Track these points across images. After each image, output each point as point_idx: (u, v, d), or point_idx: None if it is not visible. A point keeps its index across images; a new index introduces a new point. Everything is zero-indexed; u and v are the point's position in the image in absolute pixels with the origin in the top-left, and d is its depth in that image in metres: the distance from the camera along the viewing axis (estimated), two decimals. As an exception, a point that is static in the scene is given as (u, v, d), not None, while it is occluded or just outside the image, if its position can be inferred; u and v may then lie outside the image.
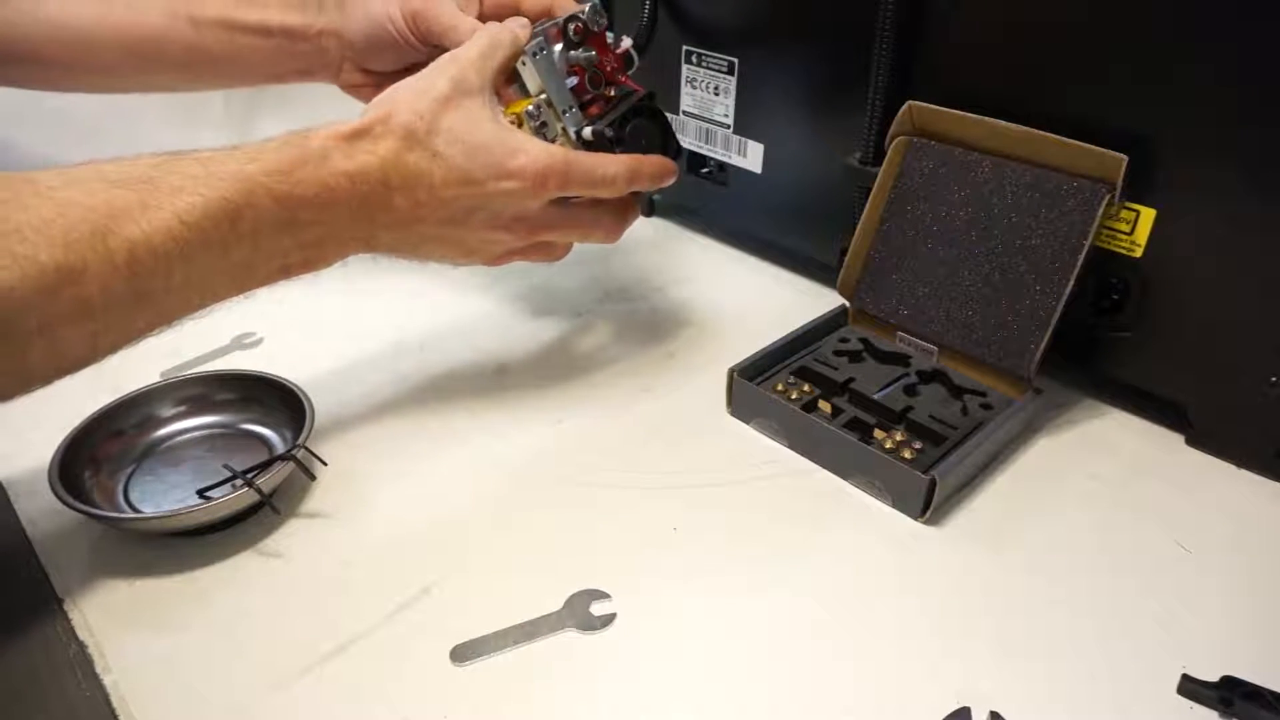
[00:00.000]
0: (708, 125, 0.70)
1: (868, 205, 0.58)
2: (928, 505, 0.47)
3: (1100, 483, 0.51)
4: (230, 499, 0.44)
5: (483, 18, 0.53)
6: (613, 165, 0.50)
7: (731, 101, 0.68)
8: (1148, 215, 0.50)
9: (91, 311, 0.36)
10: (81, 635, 0.41)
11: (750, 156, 0.69)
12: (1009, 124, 0.52)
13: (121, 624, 0.42)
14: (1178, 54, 0.46)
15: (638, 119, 0.52)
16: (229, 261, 0.40)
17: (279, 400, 0.51)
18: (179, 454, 0.50)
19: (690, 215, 0.80)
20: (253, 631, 0.41)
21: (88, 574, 0.44)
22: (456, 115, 0.45)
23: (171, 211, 0.37)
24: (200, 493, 0.45)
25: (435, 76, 0.46)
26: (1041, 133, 0.50)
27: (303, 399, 0.50)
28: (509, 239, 0.50)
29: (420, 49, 0.53)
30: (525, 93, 0.51)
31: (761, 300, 0.69)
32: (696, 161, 0.73)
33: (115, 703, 0.38)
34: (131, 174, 0.38)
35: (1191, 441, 0.53)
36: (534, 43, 0.49)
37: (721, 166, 0.71)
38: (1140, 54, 0.47)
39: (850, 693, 0.39)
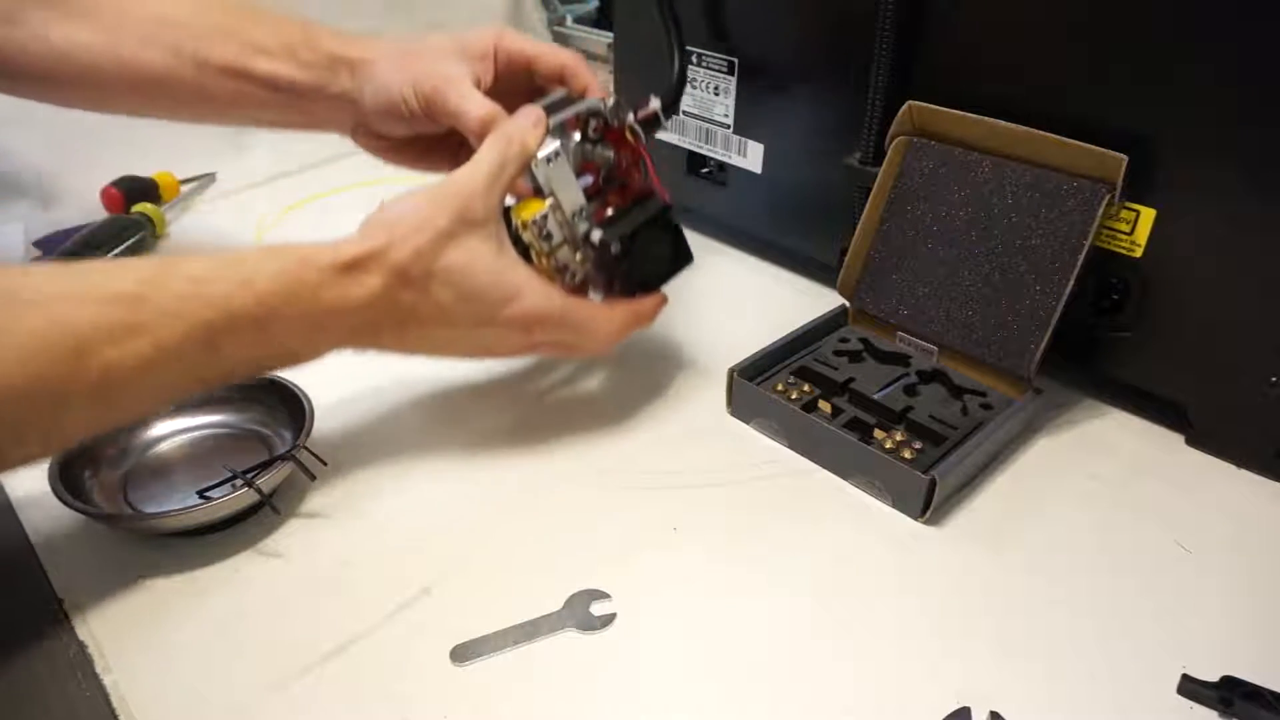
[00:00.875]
0: (708, 125, 0.70)
1: (868, 205, 0.58)
2: (928, 505, 0.47)
3: (1100, 483, 0.51)
4: (230, 499, 0.44)
5: (497, 78, 0.53)
6: (605, 322, 0.50)
7: (731, 101, 0.68)
8: (1148, 215, 0.50)
9: (56, 418, 0.36)
10: (81, 635, 0.41)
11: (750, 156, 0.69)
12: (1009, 124, 0.51)
13: (121, 624, 0.42)
14: (1178, 54, 0.46)
15: (649, 230, 0.52)
16: (198, 376, 0.40)
17: (279, 400, 0.51)
18: (179, 453, 0.50)
19: (690, 215, 0.80)
20: (253, 632, 0.41)
21: (88, 574, 0.44)
22: (457, 255, 0.44)
23: (151, 340, 0.37)
24: (200, 493, 0.45)
25: (437, 210, 0.44)
26: (1041, 133, 0.50)
27: (303, 399, 0.50)
28: (494, 357, 0.53)
29: (432, 126, 0.53)
30: (536, 182, 0.49)
31: (761, 300, 0.69)
32: (696, 161, 0.73)
33: (115, 703, 0.38)
34: (122, 290, 0.37)
35: (1191, 441, 0.53)
36: (547, 150, 0.48)
37: (721, 166, 0.71)
38: (1140, 54, 0.47)
39: (850, 693, 0.39)
